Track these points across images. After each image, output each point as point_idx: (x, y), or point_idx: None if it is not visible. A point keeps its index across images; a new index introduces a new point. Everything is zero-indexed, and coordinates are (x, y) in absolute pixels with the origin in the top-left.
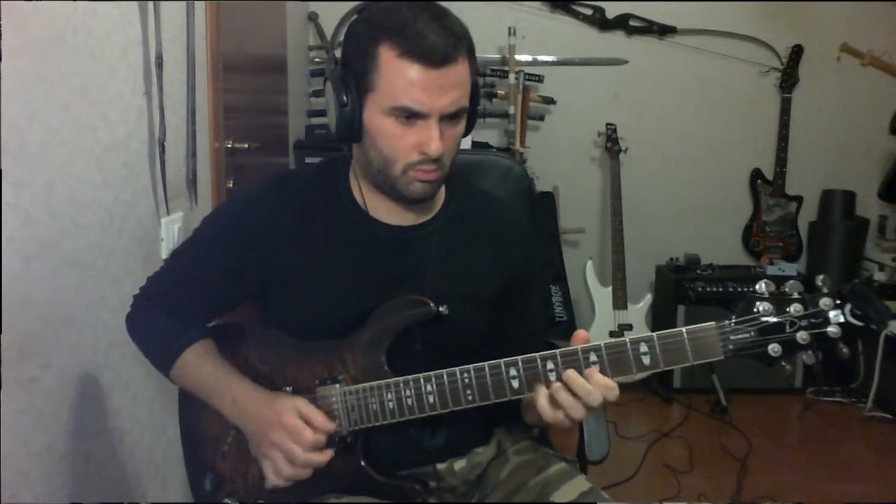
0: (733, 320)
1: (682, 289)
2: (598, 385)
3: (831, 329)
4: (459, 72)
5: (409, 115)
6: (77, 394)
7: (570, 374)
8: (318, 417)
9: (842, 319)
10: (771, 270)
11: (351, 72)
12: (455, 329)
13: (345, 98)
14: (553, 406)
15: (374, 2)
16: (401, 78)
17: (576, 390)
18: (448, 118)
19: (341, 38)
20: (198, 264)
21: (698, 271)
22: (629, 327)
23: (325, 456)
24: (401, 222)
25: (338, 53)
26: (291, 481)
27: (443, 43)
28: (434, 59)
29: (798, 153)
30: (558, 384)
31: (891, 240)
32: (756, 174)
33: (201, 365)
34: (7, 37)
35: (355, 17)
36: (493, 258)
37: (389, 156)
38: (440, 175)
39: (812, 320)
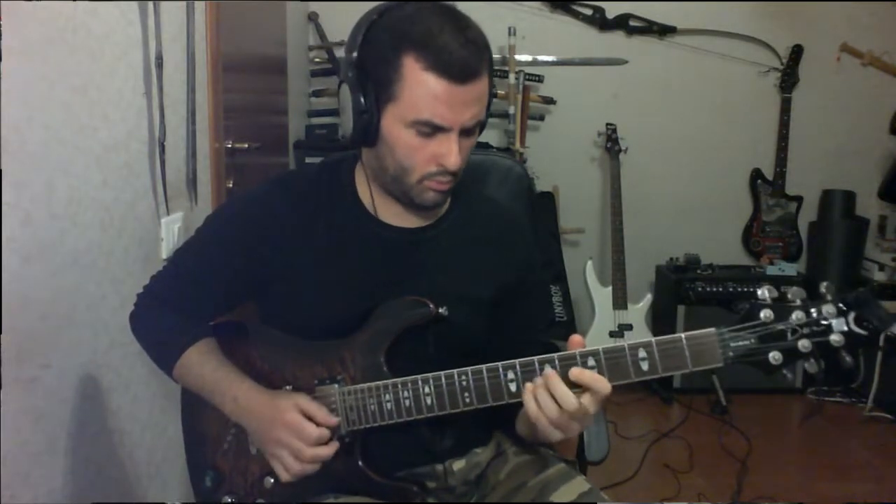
0: (734, 327)
1: (682, 289)
2: (587, 382)
3: (834, 337)
4: (482, 86)
5: (430, 129)
6: (77, 394)
7: (548, 374)
8: (320, 412)
9: (845, 328)
10: (771, 270)
11: (371, 77)
12: (455, 331)
13: (363, 103)
14: (536, 404)
15: (392, 3)
16: (425, 92)
17: (553, 393)
18: (466, 131)
19: (357, 41)
20: (201, 263)
21: (698, 271)
22: (629, 327)
23: (330, 449)
24: (405, 224)
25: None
26: (301, 476)
27: (468, 58)
28: (459, 74)
29: (798, 153)
30: (539, 380)
31: (891, 240)
32: (756, 174)
33: (203, 364)
34: (7, 37)
35: (375, 18)
36: (495, 262)
37: (407, 165)
38: (453, 185)
39: (814, 328)
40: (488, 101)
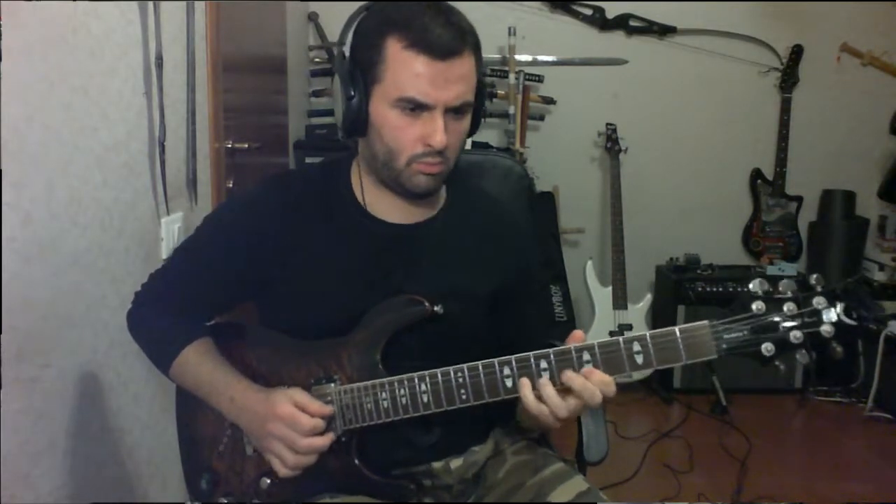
0: (726, 319)
1: (682, 289)
2: (597, 383)
3: (824, 328)
4: (465, 65)
5: (415, 107)
6: (77, 394)
7: (569, 374)
8: (313, 403)
9: (835, 318)
10: (771, 270)
11: (358, 65)
12: (451, 327)
13: (351, 91)
14: (538, 400)
15: (381, 1)
16: (407, 69)
17: (577, 389)
18: (453, 112)
19: (348, 37)
20: (199, 263)
21: (698, 271)
22: (629, 327)
23: (326, 440)
24: (401, 220)
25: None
26: (299, 469)
27: (449, 36)
28: (440, 51)
29: (798, 153)
30: (544, 380)
31: (891, 240)
32: (756, 174)
33: (200, 364)
34: (7, 37)
35: (364, 14)
36: (492, 258)
37: (394, 147)
38: (444, 169)
39: (805, 319)
40: (479, 88)
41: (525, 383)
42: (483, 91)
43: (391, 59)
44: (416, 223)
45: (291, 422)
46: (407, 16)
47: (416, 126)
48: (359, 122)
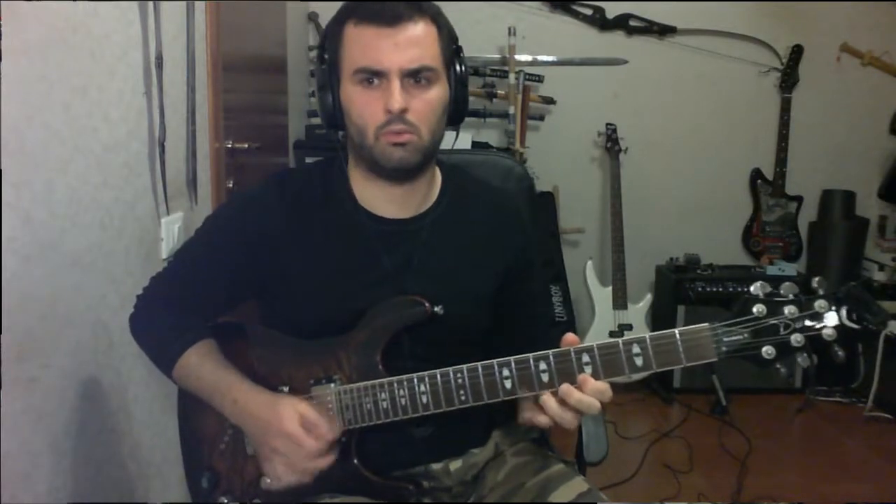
0: (726, 322)
1: (682, 289)
2: (593, 391)
3: (826, 331)
4: (418, 30)
5: (370, 76)
6: (77, 394)
7: (565, 388)
8: (321, 425)
9: (836, 322)
10: (771, 270)
11: (328, 60)
12: (450, 324)
13: (321, 83)
14: (542, 412)
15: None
16: (358, 43)
17: (574, 405)
18: (412, 78)
19: (321, 35)
20: (200, 264)
21: (698, 271)
22: (629, 327)
23: (326, 461)
24: (396, 215)
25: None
26: (293, 485)
27: (395, 4)
28: (386, 17)
29: (798, 153)
30: (547, 394)
31: (891, 240)
32: (756, 174)
33: (203, 365)
34: (7, 37)
35: (336, 15)
36: (490, 248)
37: (361, 124)
38: (413, 139)
39: (807, 322)
40: (458, 72)
41: (529, 406)
42: (461, 74)
43: (346, 40)
44: (411, 217)
45: (296, 443)
46: (362, 1)
47: (375, 95)
48: (334, 113)
